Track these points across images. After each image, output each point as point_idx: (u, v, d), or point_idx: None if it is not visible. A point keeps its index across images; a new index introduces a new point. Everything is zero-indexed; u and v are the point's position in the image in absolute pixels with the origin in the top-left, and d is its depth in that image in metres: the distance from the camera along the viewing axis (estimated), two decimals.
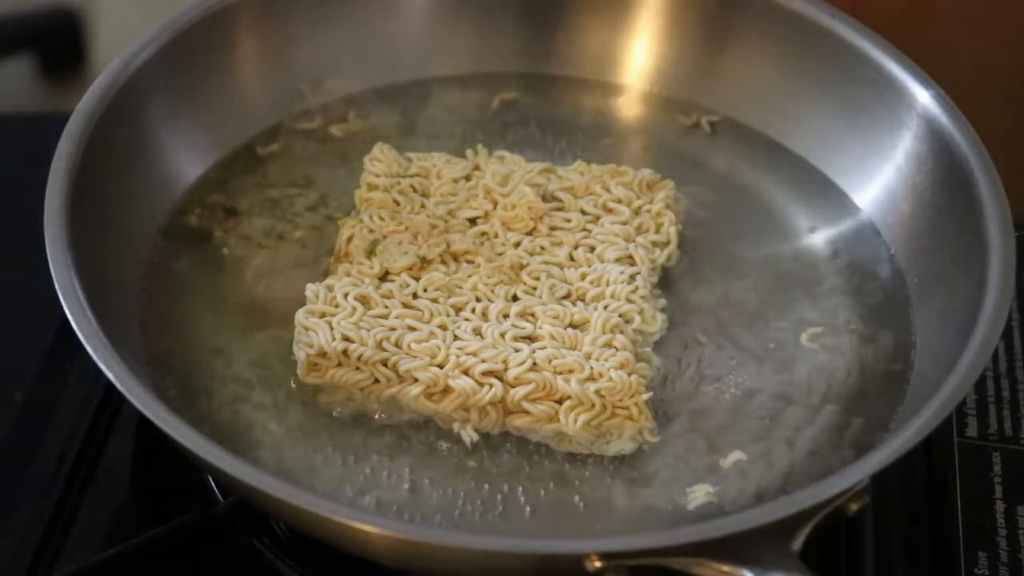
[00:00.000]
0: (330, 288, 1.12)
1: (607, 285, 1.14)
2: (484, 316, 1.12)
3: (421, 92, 1.34)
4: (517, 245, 1.17)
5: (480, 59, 1.36)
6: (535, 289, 1.14)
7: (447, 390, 1.08)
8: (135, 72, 1.19)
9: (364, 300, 1.12)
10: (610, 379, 1.07)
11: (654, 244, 1.19)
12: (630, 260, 1.17)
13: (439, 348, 1.09)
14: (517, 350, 1.09)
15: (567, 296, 1.14)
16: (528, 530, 1.03)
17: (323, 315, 1.11)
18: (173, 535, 1.08)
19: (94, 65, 2.07)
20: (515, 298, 1.14)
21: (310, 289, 1.12)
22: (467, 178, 1.23)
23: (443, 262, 1.16)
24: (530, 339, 1.10)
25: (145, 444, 1.14)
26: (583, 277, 1.15)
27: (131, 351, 1.08)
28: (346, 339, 1.09)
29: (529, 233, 1.19)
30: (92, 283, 1.04)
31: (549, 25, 1.36)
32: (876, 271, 1.21)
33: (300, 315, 1.11)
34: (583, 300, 1.14)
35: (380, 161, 1.22)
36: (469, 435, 1.07)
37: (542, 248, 1.17)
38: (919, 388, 1.11)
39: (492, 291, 1.14)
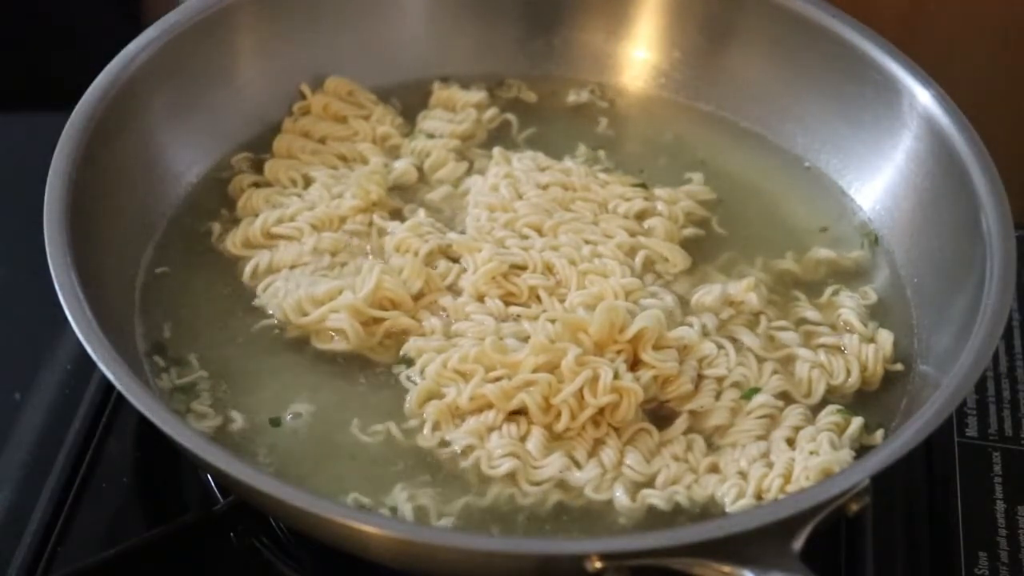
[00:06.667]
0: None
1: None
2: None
3: (421, 92, 1.34)
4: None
5: (480, 59, 1.36)
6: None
7: None
8: (135, 72, 1.19)
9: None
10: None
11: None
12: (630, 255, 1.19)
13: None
14: None
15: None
16: (529, 531, 1.03)
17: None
18: (173, 535, 1.08)
19: None
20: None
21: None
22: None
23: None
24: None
25: (145, 444, 1.14)
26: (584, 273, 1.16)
27: (131, 350, 1.08)
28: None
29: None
30: (92, 283, 1.04)
31: (549, 25, 1.36)
32: (876, 271, 1.21)
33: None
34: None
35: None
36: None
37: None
38: (919, 388, 1.11)
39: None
